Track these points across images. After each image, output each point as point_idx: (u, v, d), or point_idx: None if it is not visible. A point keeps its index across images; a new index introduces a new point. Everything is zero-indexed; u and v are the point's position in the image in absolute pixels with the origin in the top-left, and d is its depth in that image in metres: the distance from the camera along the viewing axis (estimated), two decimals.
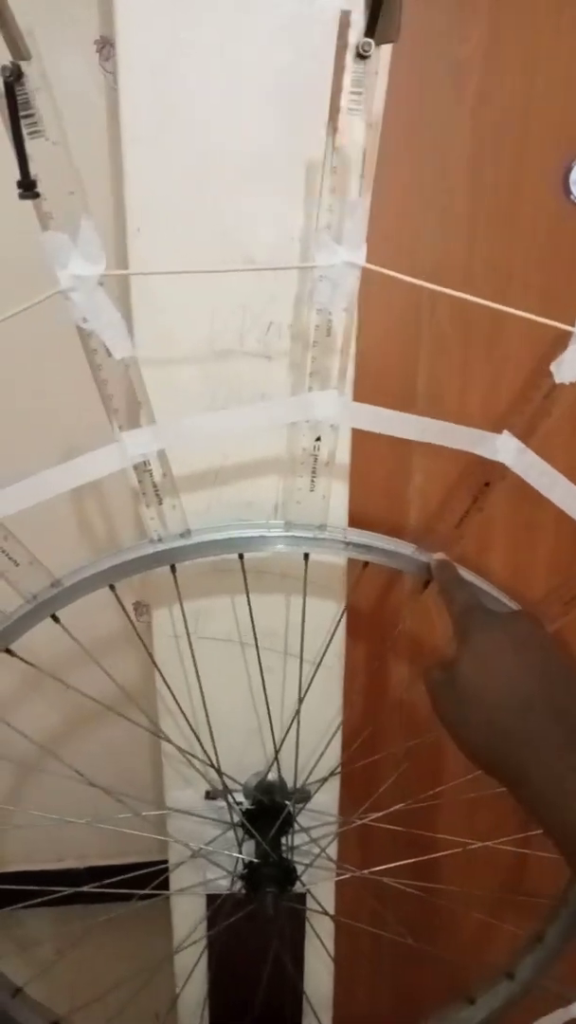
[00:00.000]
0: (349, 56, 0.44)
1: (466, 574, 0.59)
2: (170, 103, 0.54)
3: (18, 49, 0.41)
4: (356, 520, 0.64)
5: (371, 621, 0.78)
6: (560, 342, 0.52)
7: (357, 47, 0.44)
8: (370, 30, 0.43)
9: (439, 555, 0.59)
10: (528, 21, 0.61)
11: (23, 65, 0.42)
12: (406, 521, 0.75)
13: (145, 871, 0.76)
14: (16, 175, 0.44)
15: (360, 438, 0.58)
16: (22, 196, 0.45)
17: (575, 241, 0.67)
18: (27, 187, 0.45)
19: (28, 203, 0.45)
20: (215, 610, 0.68)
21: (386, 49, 0.50)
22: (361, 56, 0.44)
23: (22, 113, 0.43)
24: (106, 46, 0.64)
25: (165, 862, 0.77)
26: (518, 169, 0.65)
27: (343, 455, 0.62)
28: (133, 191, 0.56)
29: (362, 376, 0.61)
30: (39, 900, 0.74)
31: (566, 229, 0.67)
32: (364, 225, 0.48)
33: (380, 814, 0.69)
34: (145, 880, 0.76)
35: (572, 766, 0.40)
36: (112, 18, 0.53)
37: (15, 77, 0.42)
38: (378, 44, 0.43)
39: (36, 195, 0.45)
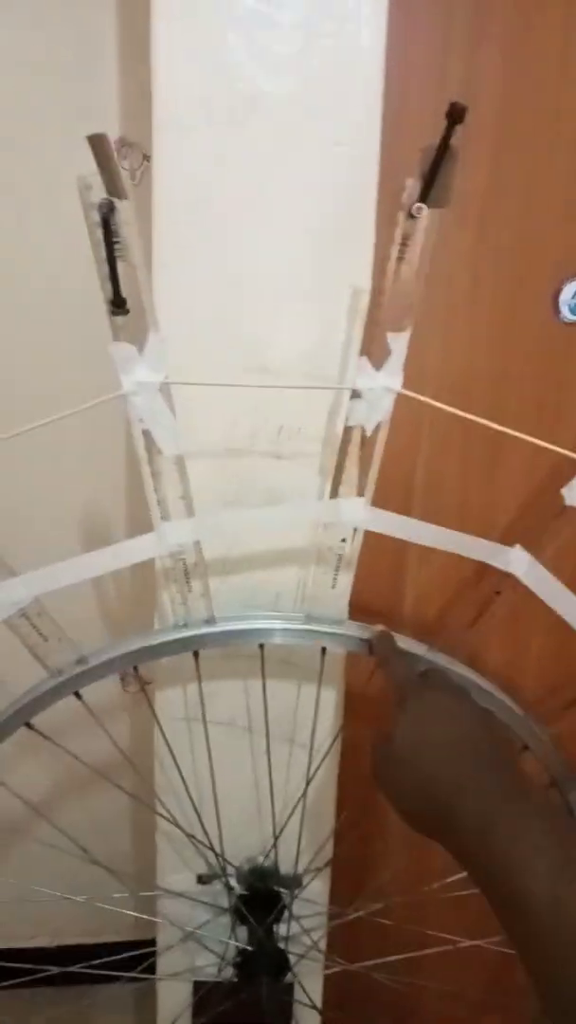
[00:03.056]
0: (401, 214, 0.50)
1: (461, 670, 0.62)
2: (204, 227, 0.58)
3: (117, 189, 0.46)
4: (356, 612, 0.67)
5: (370, 710, 0.80)
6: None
7: (409, 209, 0.50)
8: (423, 196, 0.49)
9: (379, 627, 0.62)
10: (527, 158, 0.68)
11: (116, 202, 0.47)
12: (402, 614, 0.79)
13: (129, 953, 0.76)
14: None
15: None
16: (113, 313, 0.49)
17: (565, 357, 0.74)
18: (118, 304, 0.49)
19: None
20: (218, 693, 0.70)
21: None
22: (411, 216, 0.50)
23: (112, 239, 0.48)
24: (125, 146, 0.70)
25: (140, 943, 0.76)
26: (515, 290, 0.72)
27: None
28: (162, 302, 0.58)
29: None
30: (21, 980, 0.73)
31: (556, 346, 0.73)
32: (403, 356, 0.53)
33: (376, 907, 0.70)
34: (131, 962, 0.75)
35: (502, 816, 0.42)
36: (151, 138, 0.57)
37: (109, 212, 0.47)
38: (430, 208, 0.49)
39: (126, 312, 0.50)
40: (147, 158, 0.70)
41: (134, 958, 0.74)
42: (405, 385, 0.54)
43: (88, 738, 0.67)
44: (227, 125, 0.57)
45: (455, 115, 0.45)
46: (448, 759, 0.47)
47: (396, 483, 0.75)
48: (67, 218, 0.48)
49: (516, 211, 0.70)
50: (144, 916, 0.73)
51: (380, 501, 0.59)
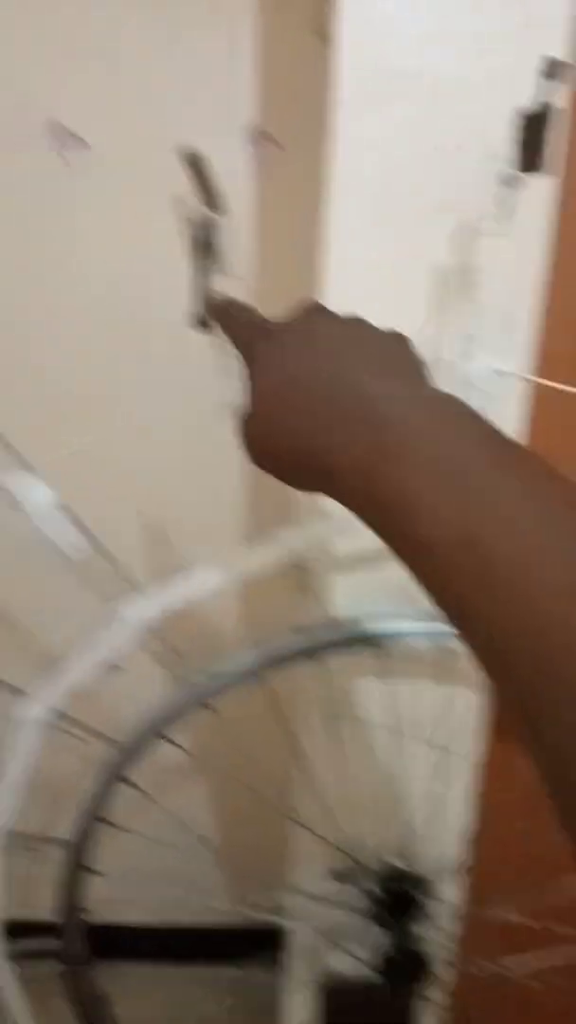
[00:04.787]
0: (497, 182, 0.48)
1: None
2: (377, 207, 0.57)
3: (216, 207, 0.46)
4: None
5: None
6: None
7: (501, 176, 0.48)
8: (524, 163, 0.47)
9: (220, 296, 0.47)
10: None
11: (217, 219, 0.48)
12: None
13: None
14: None
15: None
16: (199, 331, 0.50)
17: None
18: (204, 323, 0.50)
19: None
20: (364, 691, 0.68)
21: None
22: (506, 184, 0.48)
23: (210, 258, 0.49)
24: (260, 136, 0.70)
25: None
26: None
27: None
28: (330, 279, 0.58)
29: None
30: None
31: None
32: (515, 336, 0.52)
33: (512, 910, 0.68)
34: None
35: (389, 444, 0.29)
36: (328, 156, 0.56)
37: (208, 228, 0.47)
38: (524, 173, 0.47)
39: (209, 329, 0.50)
40: (280, 147, 0.70)
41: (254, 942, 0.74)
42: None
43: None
44: (406, 104, 0.55)
45: (552, 71, 0.43)
46: (316, 401, 0.33)
47: None
48: None
49: None
50: (280, 920, 0.74)
51: None
